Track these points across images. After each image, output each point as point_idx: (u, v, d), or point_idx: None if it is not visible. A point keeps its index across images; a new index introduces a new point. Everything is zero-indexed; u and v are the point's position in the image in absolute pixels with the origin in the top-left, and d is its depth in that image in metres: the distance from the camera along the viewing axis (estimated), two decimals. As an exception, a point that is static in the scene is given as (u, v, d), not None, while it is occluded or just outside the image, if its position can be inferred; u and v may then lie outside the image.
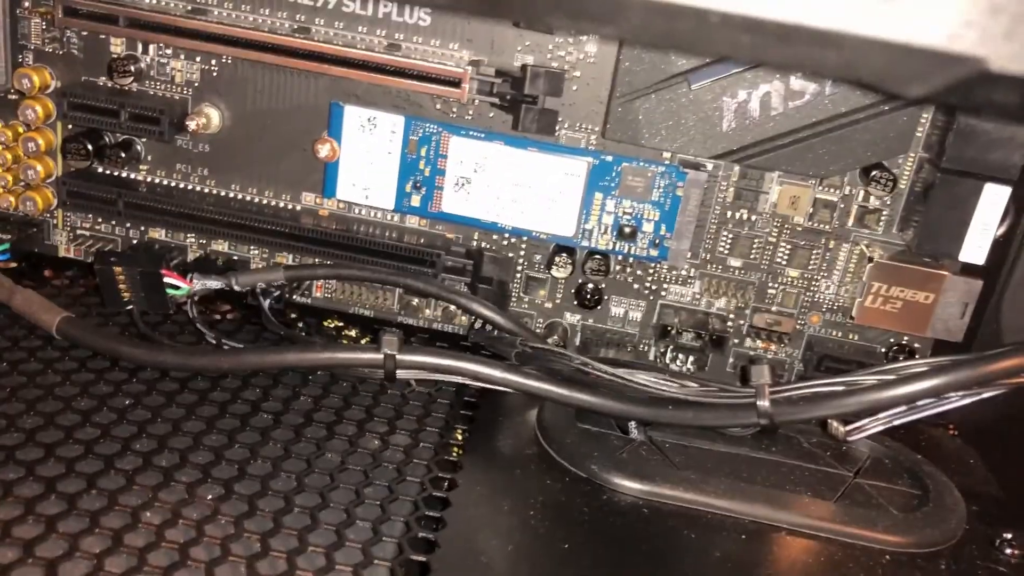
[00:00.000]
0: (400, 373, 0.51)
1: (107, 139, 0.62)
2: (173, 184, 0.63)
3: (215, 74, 0.60)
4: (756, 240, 0.60)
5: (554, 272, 0.61)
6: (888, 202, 0.58)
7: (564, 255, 0.60)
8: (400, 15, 0.57)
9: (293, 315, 0.64)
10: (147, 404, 0.51)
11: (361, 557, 0.42)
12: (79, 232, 0.65)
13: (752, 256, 0.61)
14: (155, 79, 0.60)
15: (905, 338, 0.62)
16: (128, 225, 0.64)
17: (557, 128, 0.58)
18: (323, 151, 0.59)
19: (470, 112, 0.59)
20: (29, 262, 0.65)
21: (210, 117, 0.60)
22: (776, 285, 0.61)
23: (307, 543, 0.42)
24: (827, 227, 0.60)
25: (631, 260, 0.61)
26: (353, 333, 0.64)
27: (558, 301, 0.63)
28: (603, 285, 0.62)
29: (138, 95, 0.60)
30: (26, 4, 0.59)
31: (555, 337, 0.63)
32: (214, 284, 0.58)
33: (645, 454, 0.52)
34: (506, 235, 0.61)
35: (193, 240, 0.64)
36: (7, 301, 0.56)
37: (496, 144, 0.58)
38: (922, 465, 0.54)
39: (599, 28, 0.43)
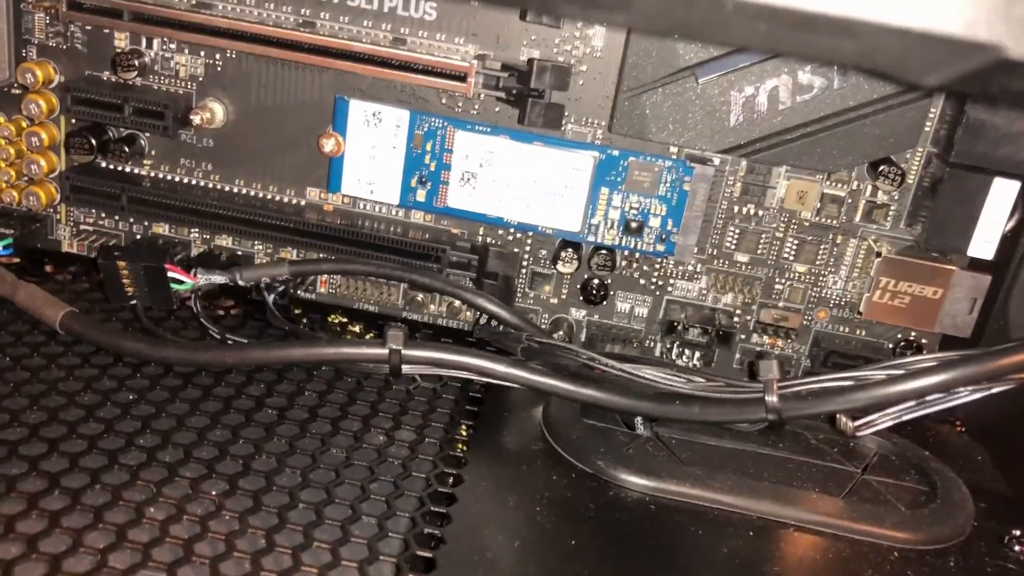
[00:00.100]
0: (405, 368, 0.51)
1: (111, 134, 0.61)
2: (177, 179, 0.62)
3: (219, 69, 0.59)
4: (763, 235, 0.60)
5: (560, 267, 0.60)
6: (896, 197, 0.58)
7: (570, 250, 0.60)
8: (405, 9, 0.56)
9: (297, 311, 0.64)
10: (151, 399, 0.51)
11: (367, 553, 0.41)
12: (82, 227, 0.65)
13: (759, 251, 0.60)
14: (159, 74, 0.60)
15: (913, 334, 0.61)
16: (132, 220, 0.64)
17: (563, 122, 0.58)
18: (328, 146, 0.58)
19: (476, 106, 0.58)
20: (32, 257, 0.65)
21: (214, 112, 0.60)
22: (783, 280, 0.61)
23: (312, 539, 0.42)
24: (835, 222, 0.59)
25: (637, 255, 0.61)
26: (357, 329, 0.63)
27: (564, 297, 0.63)
28: (609, 280, 0.62)
29: (142, 90, 0.60)
30: (30, -2, 0.59)
31: (560, 333, 0.62)
32: (218, 279, 0.58)
33: (651, 450, 0.51)
34: (512, 230, 0.61)
35: (197, 235, 0.64)
36: (11, 296, 0.56)
37: (502, 139, 0.57)
38: (930, 462, 0.54)
39: (612, 16, 0.42)
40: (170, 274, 0.57)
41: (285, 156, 0.61)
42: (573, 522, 0.45)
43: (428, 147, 0.58)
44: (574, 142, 0.58)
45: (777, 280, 0.61)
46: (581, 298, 0.62)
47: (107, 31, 0.59)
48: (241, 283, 0.58)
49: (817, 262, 0.60)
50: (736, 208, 0.59)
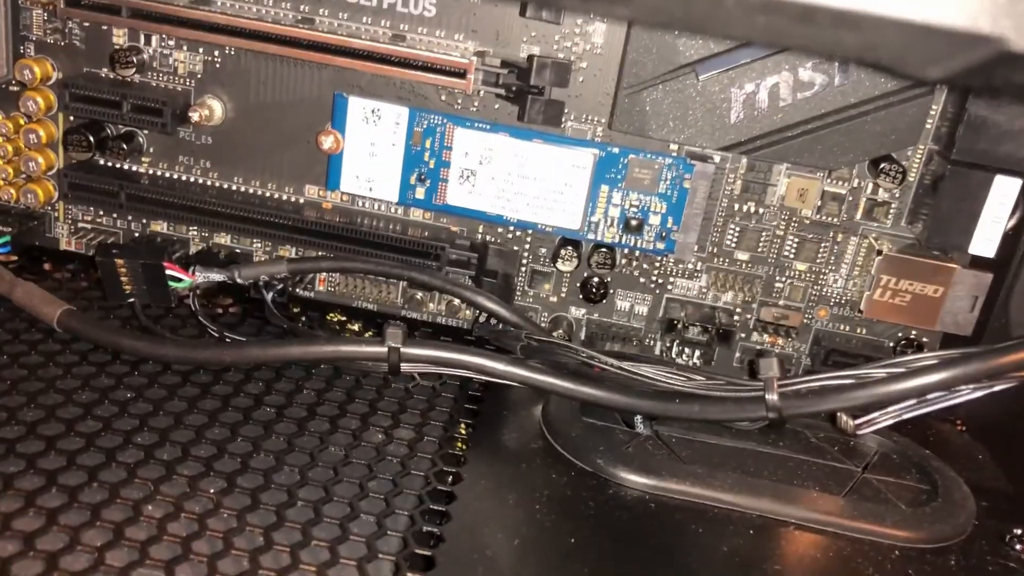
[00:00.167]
0: (404, 366, 0.51)
1: (109, 131, 0.61)
2: (175, 176, 0.62)
3: (218, 65, 0.59)
4: (763, 233, 0.60)
5: (559, 265, 0.60)
6: (897, 195, 0.58)
7: (570, 248, 0.60)
8: (405, 5, 0.56)
9: (296, 309, 0.63)
10: (149, 397, 0.50)
11: (365, 551, 0.41)
12: (80, 225, 0.65)
13: (759, 249, 0.60)
14: (158, 70, 0.60)
15: (913, 332, 0.61)
16: (130, 218, 0.64)
17: (563, 119, 0.58)
18: (327, 143, 0.58)
19: (475, 103, 0.58)
20: (30, 255, 0.64)
21: (213, 109, 0.59)
22: (783, 279, 0.61)
23: (311, 537, 0.41)
24: (835, 220, 0.59)
25: (637, 253, 0.61)
26: (356, 327, 0.63)
27: (563, 295, 0.63)
28: (609, 279, 0.62)
29: (140, 86, 0.60)
30: (27, -6, 0.59)
31: (560, 331, 0.62)
32: (216, 277, 0.58)
33: (651, 448, 0.51)
34: (511, 228, 0.61)
35: (195, 233, 0.64)
36: (8, 294, 0.56)
37: (501, 136, 0.57)
38: (930, 460, 0.53)
39: (613, 8, 0.42)
40: (168, 272, 0.57)
41: (284, 153, 0.61)
42: (573, 520, 0.45)
43: (427, 144, 0.58)
44: (574, 139, 0.58)
45: (777, 278, 0.61)
46: (581, 296, 0.62)
47: (105, 27, 0.59)
48: (240, 281, 0.58)
49: (818, 260, 0.60)
50: (736, 206, 0.59)
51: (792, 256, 0.60)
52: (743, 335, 0.62)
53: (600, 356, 0.51)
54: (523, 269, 0.62)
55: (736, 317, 0.62)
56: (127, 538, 0.40)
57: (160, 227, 0.64)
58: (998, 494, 0.53)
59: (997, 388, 0.46)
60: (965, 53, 0.26)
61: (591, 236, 0.59)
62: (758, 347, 0.63)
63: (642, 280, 0.62)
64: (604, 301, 0.62)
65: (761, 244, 0.60)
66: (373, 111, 0.58)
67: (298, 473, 0.46)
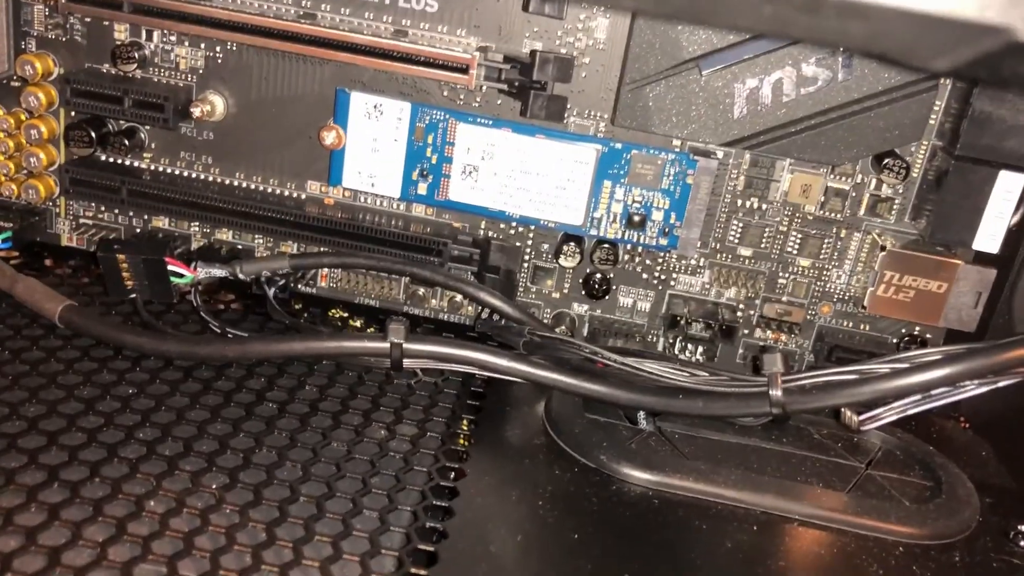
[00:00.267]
0: (406, 362, 0.51)
1: (110, 126, 0.61)
2: (177, 172, 0.62)
3: (220, 61, 0.59)
4: (767, 229, 0.60)
5: (562, 261, 0.60)
6: (900, 190, 0.58)
7: (572, 244, 0.60)
8: (407, 1, 0.56)
9: (298, 305, 0.63)
10: (151, 393, 0.50)
11: (368, 547, 0.41)
12: (82, 221, 0.64)
13: (762, 245, 0.60)
14: (159, 66, 0.60)
15: (917, 328, 0.61)
16: (131, 214, 0.64)
17: (566, 115, 0.57)
18: (329, 138, 0.58)
19: (478, 99, 0.58)
20: (31, 251, 0.64)
21: (214, 104, 0.59)
22: (787, 275, 0.61)
23: (313, 532, 0.41)
24: (839, 216, 0.59)
25: (640, 249, 0.61)
26: (358, 323, 0.63)
27: (566, 291, 0.63)
28: (611, 275, 0.61)
29: (142, 82, 0.60)
30: (29, -11, 0.59)
31: (563, 327, 0.62)
32: (218, 272, 0.58)
33: (654, 444, 0.51)
34: (514, 224, 0.61)
35: (197, 229, 0.64)
36: (9, 289, 0.56)
37: (504, 131, 0.57)
38: (934, 456, 0.53)
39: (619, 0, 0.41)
40: (170, 267, 0.57)
41: (286, 149, 0.61)
42: (576, 516, 0.45)
43: (429, 140, 0.58)
44: (577, 135, 0.58)
45: (781, 274, 0.61)
46: (583, 292, 0.62)
47: (107, 23, 0.59)
48: (241, 277, 0.58)
49: (821, 256, 0.60)
50: (739, 202, 0.59)
51: (795, 252, 0.60)
52: (746, 331, 0.62)
53: (603, 352, 0.51)
54: (525, 265, 0.62)
55: (739, 313, 0.62)
56: (129, 533, 0.40)
57: (162, 223, 0.64)
58: (1002, 490, 0.53)
59: (1001, 384, 0.46)
60: (973, 44, 0.26)
61: (594, 232, 0.59)
62: (761, 343, 0.62)
63: (645, 276, 0.62)
64: (607, 297, 0.62)
65: (764, 240, 0.60)
66: (375, 107, 0.57)
67: (300, 469, 0.46)
